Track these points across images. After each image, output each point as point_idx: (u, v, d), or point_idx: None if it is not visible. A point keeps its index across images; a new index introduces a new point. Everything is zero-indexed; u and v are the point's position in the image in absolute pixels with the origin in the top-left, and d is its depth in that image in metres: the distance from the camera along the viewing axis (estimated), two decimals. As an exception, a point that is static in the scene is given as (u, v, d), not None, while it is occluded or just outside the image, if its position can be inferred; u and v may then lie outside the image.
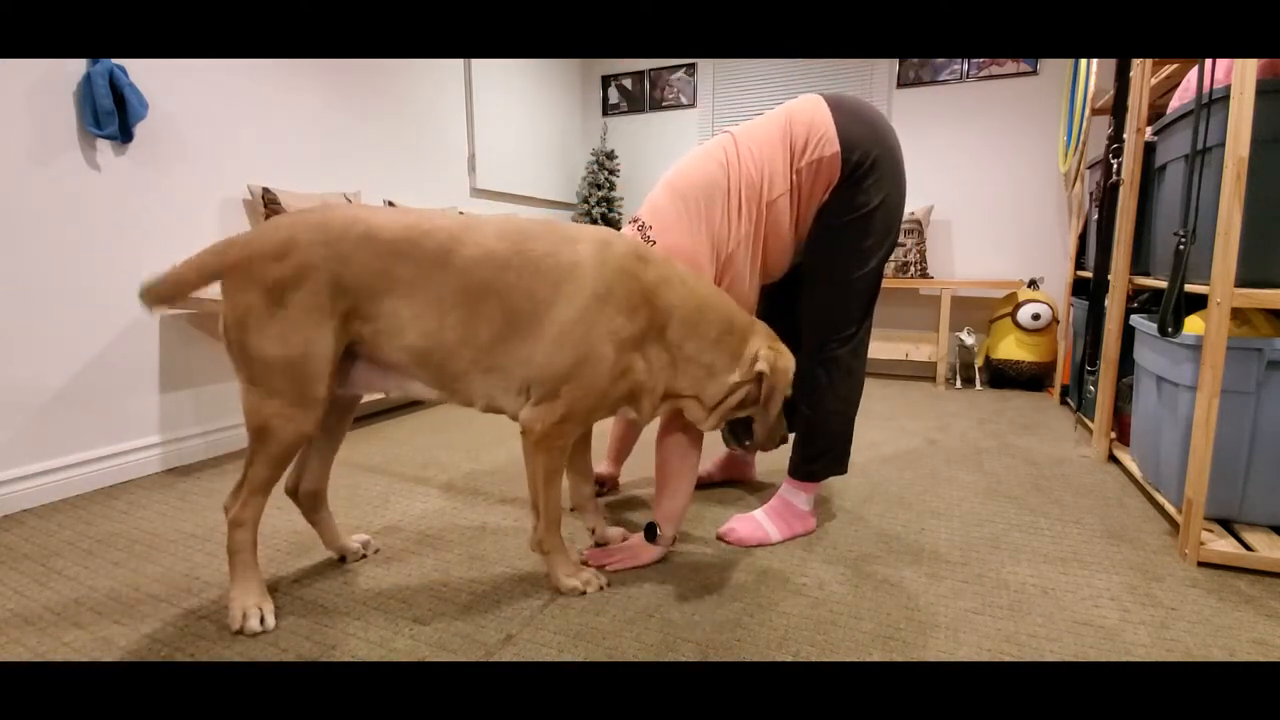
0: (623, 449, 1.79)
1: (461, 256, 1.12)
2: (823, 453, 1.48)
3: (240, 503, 1.14)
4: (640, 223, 1.40)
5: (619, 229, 2.83)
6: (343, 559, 1.39)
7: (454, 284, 1.12)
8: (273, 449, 1.11)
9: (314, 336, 1.07)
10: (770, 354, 1.25)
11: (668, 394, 1.27)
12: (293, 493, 1.32)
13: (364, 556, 1.41)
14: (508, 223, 1.18)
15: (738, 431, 1.46)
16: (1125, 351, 2.04)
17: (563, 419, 1.16)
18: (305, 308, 1.06)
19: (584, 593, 1.26)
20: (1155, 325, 1.48)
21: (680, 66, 4.12)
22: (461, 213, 2.69)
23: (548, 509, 1.23)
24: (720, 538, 1.49)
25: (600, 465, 1.81)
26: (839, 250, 1.39)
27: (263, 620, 1.13)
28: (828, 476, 1.51)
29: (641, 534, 1.39)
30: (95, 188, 1.83)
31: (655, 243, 1.34)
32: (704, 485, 1.86)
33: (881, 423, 2.60)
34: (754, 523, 1.49)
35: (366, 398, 1.61)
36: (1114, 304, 2.05)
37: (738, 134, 1.41)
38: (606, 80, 4.33)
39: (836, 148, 1.33)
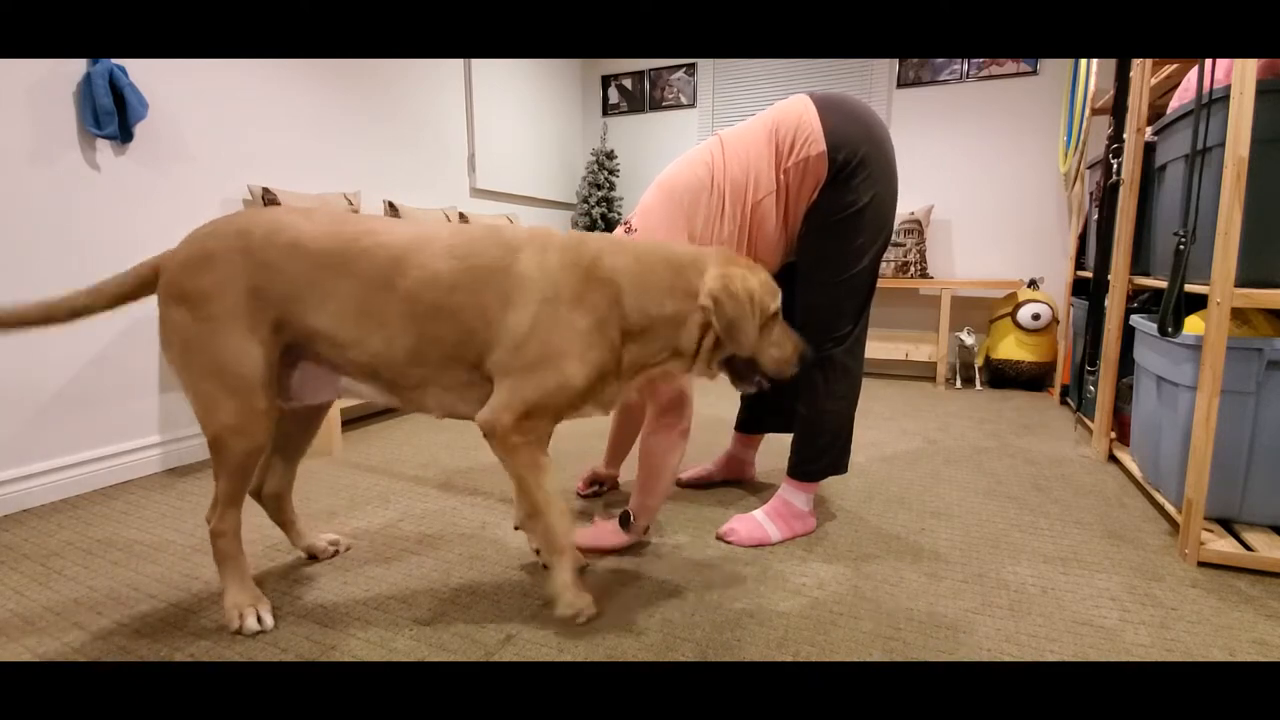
0: (620, 449, 1.78)
1: (408, 280, 1.08)
2: (822, 452, 1.48)
3: (217, 515, 1.14)
4: (629, 224, 1.44)
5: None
6: (313, 558, 1.40)
7: (400, 309, 1.09)
8: (228, 462, 1.10)
9: (241, 348, 1.06)
10: (716, 281, 1.14)
11: (644, 366, 1.20)
12: (256, 495, 1.32)
13: (335, 554, 1.42)
14: (451, 237, 1.12)
15: (744, 373, 1.25)
16: (1125, 351, 2.04)
17: (525, 414, 1.11)
18: (228, 319, 1.05)
19: (575, 620, 1.16)
20: (1155, 325, 1.48)
21: (680, 66, 4.12)
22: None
23: (549, 509, 1.14)
24: (720, 538, 1.49)
25: (599, 466, 1.81)
26: (830, 249, 1.39)
27: (260, 619, 1.13)
28: (827, 476, 1.51)
29: (616, 520, 1.42)
30: (95, 188, 1.83)
31: None
32: (704, 485, 1.86)
33: (881, 423, 2.60)
34: (754, 523, 1.49)
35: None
36: (1114, 304, 2.05)
37: (725, 137, 1.44)
38: (606, 80, 4.33)
39: (823, 147, 1.34)
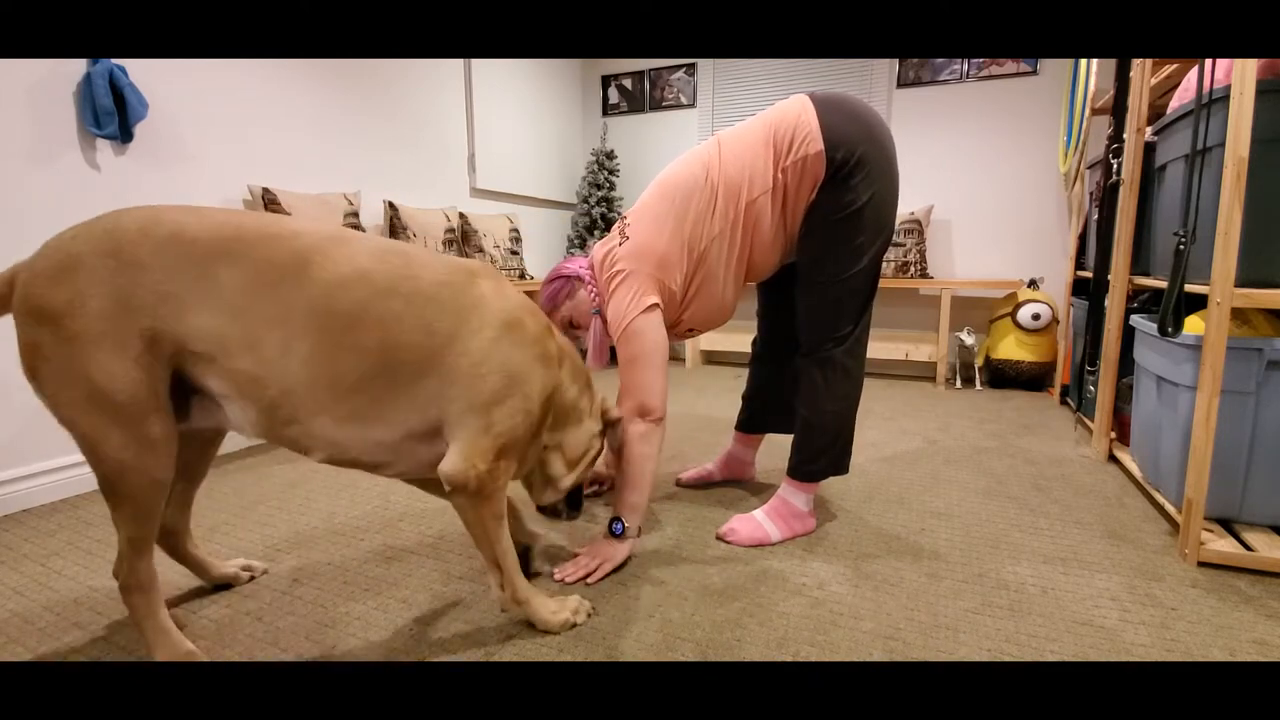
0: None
1: (325, 272, 0.93)
2: (821, 452, 1.48)
3: (125, 568, 0.97)
4: (625, 220, 1.48)
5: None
6: (229, 586, 1.28)
7: (308, 304, 0.92)
8: (126, 503, 0.93)
9: (114, 370, 0.87)
10: (616, 408, 1.33)
11: (542, 448, 1.20)
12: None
13: (252, 578, 1.31)
14: (382, 242, 1.01)
15: (558, 507, 1.31)
16: (1125, 351, 2.04)
17: (499, 454, 1.02)
18: (95, 337, 0.87)
19: (576, 625, 1.14)
20: (1155, 325, 1.48)
21: (680, 66, 4.12)
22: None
23: (506, 558, 1.09)
24: (720, 538, 1.49)
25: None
26: (830, 249, 1.39)
27: None
28: (827, 477, 1.51)
29: (606, 533, 1.36)
30: (95, 188, 1.83)
31: (629, 239, 1.42)
32: (704, 485, 1.86)
33: (881, 423, 2.60)
34: (754, 523, 1.49)
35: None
36: (1114, 304, 2.05)
37: (724, 136, 1.46)
38: (606, 80, 4.33)
39: (820, 146, 1.34)
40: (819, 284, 1.42)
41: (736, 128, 1.46)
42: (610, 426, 1.32)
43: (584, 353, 1.49)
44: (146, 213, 0.91)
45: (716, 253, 1.42)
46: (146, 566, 0.98)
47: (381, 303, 0.95)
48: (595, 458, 1.28)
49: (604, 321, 1.45)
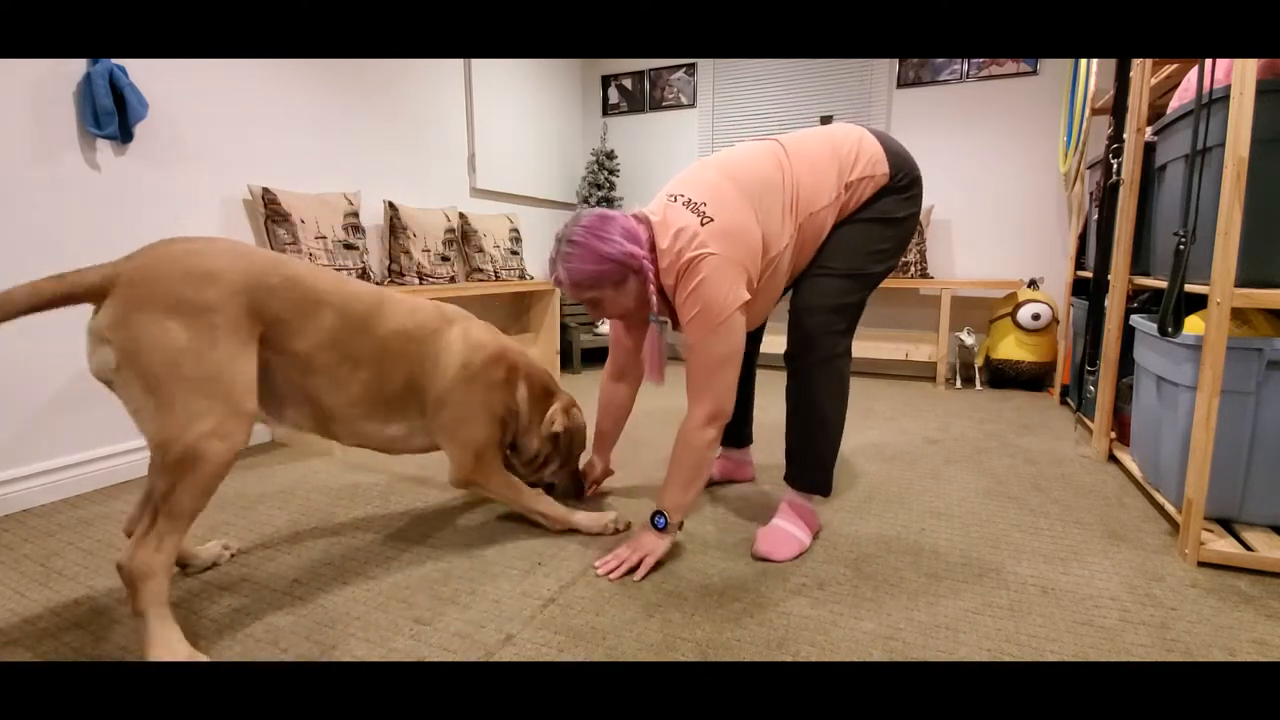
0: (606, 439, 1.76)
1: (382, 327, 1.31)
2: (824, 460, 1.46)
3: (153, 546, 1.00)
4: (688, 199, 1.32)
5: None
6: (214, 565, 1.37)
7: (372, 347, 1.29)
8: (202, 474, 1.03)
9: (238, 355, 1.08)
10: (564, 416, 1.57)
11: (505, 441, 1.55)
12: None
13: (232, 556, 1.41)
14: (407, 301, 1.39)
15: (567, 489, 1.72)
16: (1125, 351, 2.04)
17: (477, 456, 1.45)
18: (230, 330, 1.07)
19: (619, 530, 1.52)
20: (1155, 325, 1.48)
21: (680, 66, 4.12)
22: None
23: (536, 506, 1.52)
24: (764, 558, 1.40)
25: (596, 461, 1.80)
26: (854, 241, 1.38)
27: None
28: (817, 491, 1.48)
29: (648, 524, 1.37)
30: (95, 188, 1.83)
31: (713, 220, 1.28)
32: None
33: (881, 423, 2.60)
34: (784, 533, 1.43)
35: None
36: (1114, 304, 2.05)
37: (785, 141, 1.41)
38: (606, 80, 4.33)
39: (886, 169, 1.37)
40: (829, 272, 1.38)
41: (793, 135, 1.42)
42: (552, 440, 1.60)
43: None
44: (266, 254, 1.17)
45: (784, 259, 1.37)
46: (175, 548, 1.04)
47: (409, 347, 1.35)
48: (545, 460, 1.62)
49: (659, 326, 1.39)
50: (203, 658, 1.03)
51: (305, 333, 1.19)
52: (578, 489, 1.72)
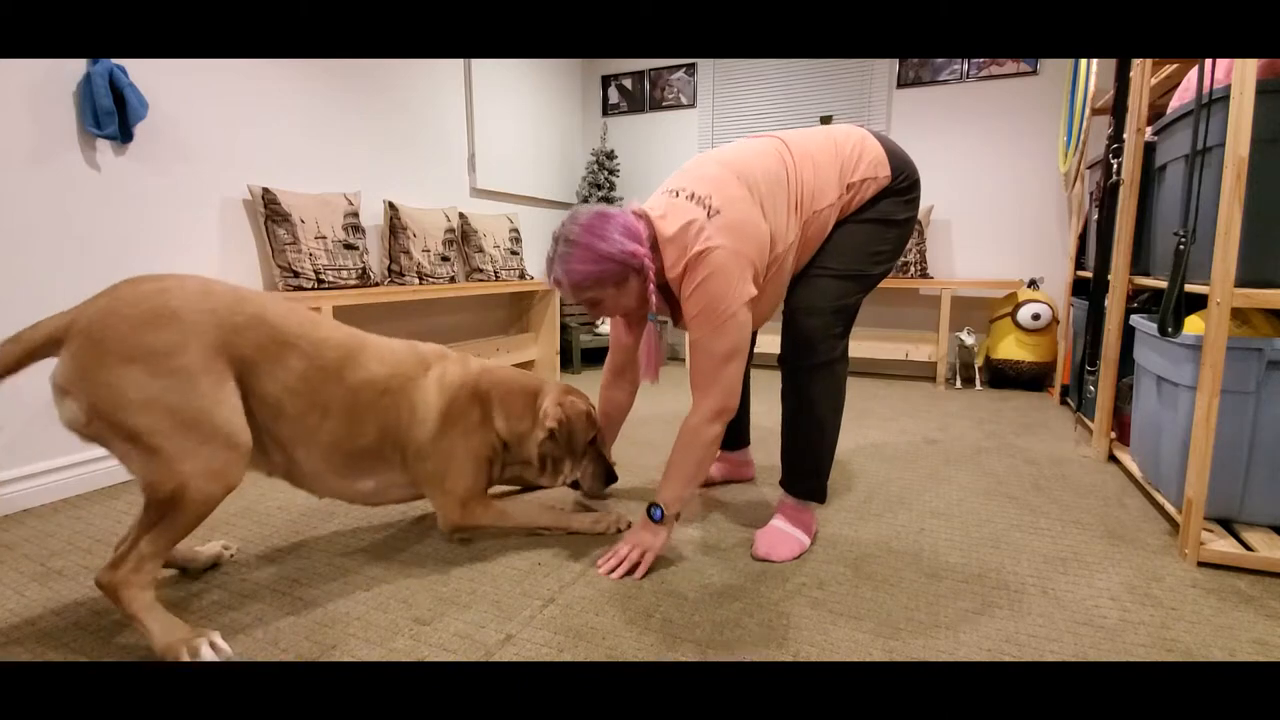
0: (605, 440, 1.75)
1: (354, 376, 1.26)
2: (817, 467, 1.45)
3: (131, 566, 1.01)
4: (691, 193, 1.29)
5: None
6: (215, 565, 1.37)
7: (342, 397, 1.24)
8: (192, 513, 1.02)
9: (217, 391, 1.05)
10: (555, 408, 1.48)
11: (517, 461, 1.53)
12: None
13: (232, 556, 1.40)
14: (382, 345, 1.35)
15: (590, 484, 1.63)
16: (1125, 351, 2.04)
17: (463, 502, 1.41)
18: (200, 371, 1.03)
19: (621, 530, 1.51)
20: (1155, 325, 1.48)
21: (680, 66, 4.12)
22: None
23: (538, 523, 1.50)
24: (764, 559, 1.40)
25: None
26: (852, 241, 1.38)
27: (214, 645, 1.03)
28: (811, 485, 1.47)
29: (644, 518, 1.36)
30: (95, 188, 1.83)
31: (719, 212, 1.26)
32: (704, 485, 1.86)
33: (881, 423, 2.60)
34: (783, 535, 1.43)
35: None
36: (1114, 304, 2.05)
37: (787, 138, 1.39)
38: (606, 80, 4.33)
39: (888, 171, 1.37)
40: (825, 272, 1.38)
41: (794, 133, 1.41)
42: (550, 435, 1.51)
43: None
44: (228, 289, 1.12)
45: (784, 253, 1.35)
46: (157, 568, 1.05)
47: (380, 399, 1.30)
48: (555, 458, 1.53)
49: (658, 324, 1.38)
50: (213, 636, 1.04)
51: (273, 375, 1.15)
52: (607, 476, 1.61)
